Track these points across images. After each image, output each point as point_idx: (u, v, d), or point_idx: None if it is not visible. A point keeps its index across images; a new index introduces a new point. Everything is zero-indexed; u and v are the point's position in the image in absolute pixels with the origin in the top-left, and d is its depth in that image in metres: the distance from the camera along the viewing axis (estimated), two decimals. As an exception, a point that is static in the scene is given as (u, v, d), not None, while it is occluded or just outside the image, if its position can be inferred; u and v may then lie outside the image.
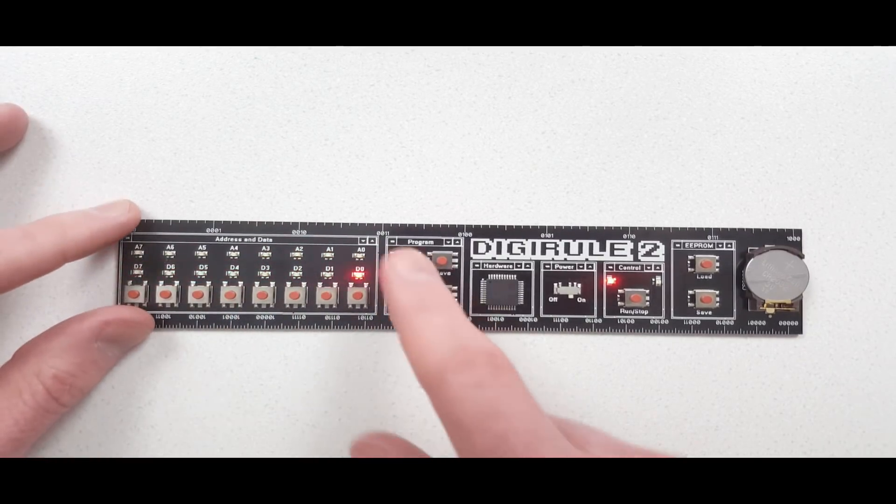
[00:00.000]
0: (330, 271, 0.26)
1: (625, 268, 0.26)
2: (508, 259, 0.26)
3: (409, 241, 0.26)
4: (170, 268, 0.25)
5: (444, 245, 0.26)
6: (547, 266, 0.26)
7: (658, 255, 0.26)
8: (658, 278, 0.26)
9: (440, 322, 0.20)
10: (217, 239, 0.26)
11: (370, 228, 0.26)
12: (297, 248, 0.26)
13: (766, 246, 0.25)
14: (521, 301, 0.26)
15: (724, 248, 0.26)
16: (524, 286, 0.26)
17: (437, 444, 0.25)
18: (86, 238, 0.23)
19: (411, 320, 0.20)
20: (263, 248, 0.26)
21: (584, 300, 0.26)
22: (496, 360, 0.19)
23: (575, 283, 0.26)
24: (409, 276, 0.21)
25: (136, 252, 0.25)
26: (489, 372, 0.18)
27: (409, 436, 0.25)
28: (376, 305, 0.26)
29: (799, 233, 0.26)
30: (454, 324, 0.20)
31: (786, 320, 0.26)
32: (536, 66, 0.27)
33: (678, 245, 0.26)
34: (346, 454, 0.25)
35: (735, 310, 0.26)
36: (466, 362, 0.18)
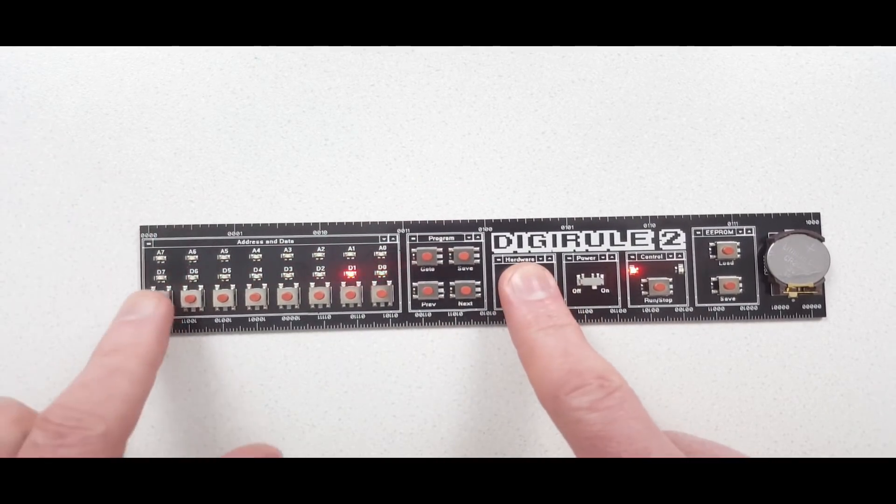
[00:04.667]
0: (353, 270, 0.26)
1: (647, 257, 0.26)
2: (530, 252, 0.26)
3: (429, 238, 0.26)
4: (193, 272, 0.25)
5: (465, 240, 0.26)
6: (569, 258, 0.26)
7: (679, 244, 0.26)
8: (680, 266, 0.26)
9: (554, 342, 0.20)
10: (239, 242, 0.26)
11: (391, 226, 0.26)
12: (318, 249, 0.26)
13: (786, 230, 0.26)
14: None
15: (745, 234, 0.26)
16: None
17: (437, 444, 0.25)
18: (153, 341, 0.22)
19: (527, 339, 0.20)
20: (285, 249, 0.26)
21: (607, 290, 0.26)
22: (607, 381, 0.19)
23: (598, 274, 0.26)
24: (524, 292, 0.22)
25: (158, 258, 0.25)
26: (600, 394, 0.18)
27: (409, 436, 0.25)
28: (400, 303, 0.26)
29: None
30: (567, 344, 0.20)
31: (809, 304, 0.26)
32: (536, 66, 0.27)
33: (699, 232, 0.26)
34: (346, 454, 0.25)
35: (758, 295, 0.26)
36: (578, 385, 0.18)
